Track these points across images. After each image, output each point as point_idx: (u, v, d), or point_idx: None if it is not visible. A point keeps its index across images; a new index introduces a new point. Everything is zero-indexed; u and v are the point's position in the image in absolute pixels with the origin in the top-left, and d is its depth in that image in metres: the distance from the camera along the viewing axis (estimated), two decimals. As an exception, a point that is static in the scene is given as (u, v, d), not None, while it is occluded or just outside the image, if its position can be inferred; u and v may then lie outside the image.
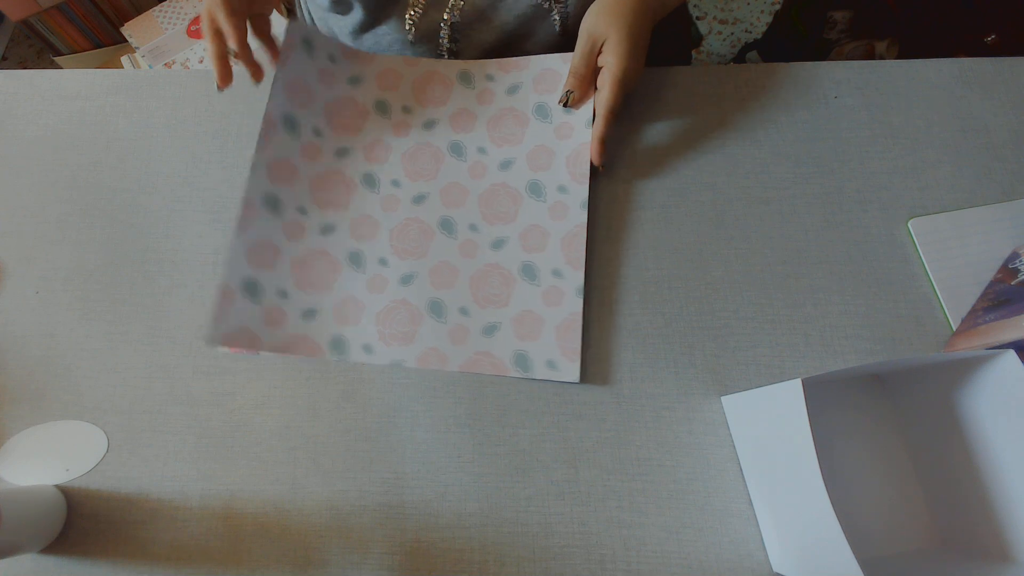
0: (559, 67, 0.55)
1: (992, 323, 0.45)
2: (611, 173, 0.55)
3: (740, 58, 1.48)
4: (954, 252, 0.51)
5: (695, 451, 0.47)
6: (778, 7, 1.53)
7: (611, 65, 0.51)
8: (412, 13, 0.58)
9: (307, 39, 0.54)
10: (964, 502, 0.42)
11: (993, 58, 0.57)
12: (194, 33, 1.13)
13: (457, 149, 0.55)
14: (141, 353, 0.51)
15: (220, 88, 0.48)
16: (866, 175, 0.54)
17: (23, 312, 0.52)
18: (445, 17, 0.58)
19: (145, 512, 0.47)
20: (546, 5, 0.57)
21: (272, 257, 0.50)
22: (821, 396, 0.47)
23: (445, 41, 0.59)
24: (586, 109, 0.53)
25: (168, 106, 0.58)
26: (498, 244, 0.52)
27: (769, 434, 0.42)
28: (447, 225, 0.53)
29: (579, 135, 0.53)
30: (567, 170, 0.53)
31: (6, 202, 0.55)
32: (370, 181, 0.54)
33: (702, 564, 0.45)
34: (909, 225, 0.52)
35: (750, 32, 1.54)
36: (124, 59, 1.20)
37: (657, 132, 0.56)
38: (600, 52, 0.52)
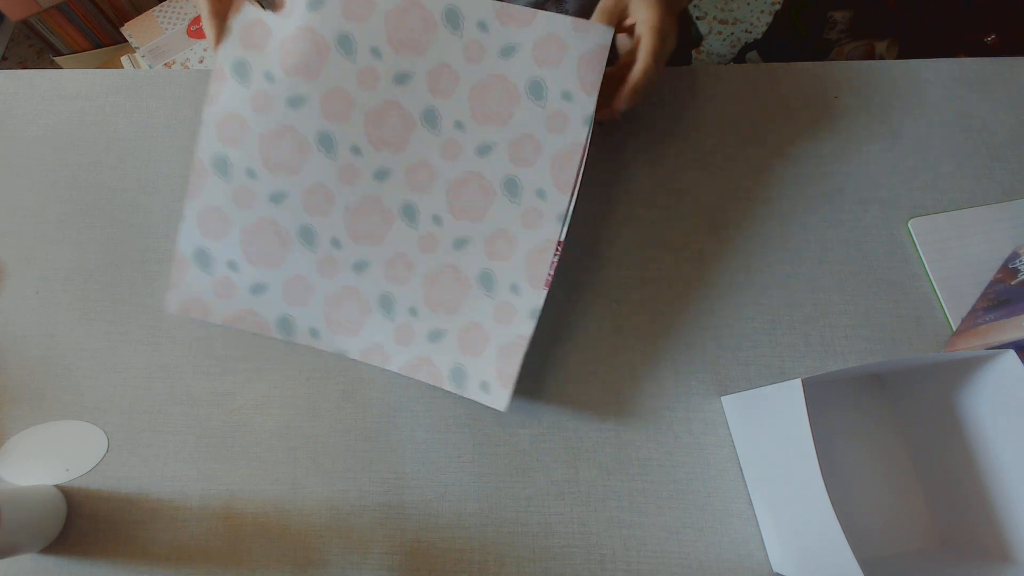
0: (567, 36, 0.45)
1: (992, 323, 0.45)
2: (611, 173, 0.55)
3: (740, 58, 1.48)
4: (954, 252, 0.51)
5: (695, 451, 0.47)
6: (778, 7, 1.53)
7: (646, 18, 0.45)
8: None
9: None
10: (964, 502, 0.42)
11: (993, 58, 0.57)
12: (194, 33, 1.13)
13: (431, 118, 0.47)
14: (141, 353, 0.51)
15: (216, 49, 0.45)
16: (866, 175, 0.54)
17: (23, 312, 0.52)
18: None
19: (145, 512, 0.47)
20: (546, 7, 0.57)
21: (222, 226, 0.48)
22: (821, 396, 0.47)
23: None
24: (586, 103, 0.45)
25: (168, 106, 0.58)
26: (461, 244, 0.47)
27: (769, 434, 0.42)
28: (410, 212, 0.47)
29: (573, 131, 0.45)
30: (550, 173, 0.46)
31: (6, 202, 0.55)
32: (327, 143, 0.47)
33: (702, 564, 0.45)
34: (909, 225, 0.52)
35: (750, 32, 1.54)
36: (124, 59, 1.20)
37: (657, 132, 0.56)
38: (626, 17, 0.46)
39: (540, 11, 0.45)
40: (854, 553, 0.33)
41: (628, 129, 0.56)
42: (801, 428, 0.36)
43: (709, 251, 0.52)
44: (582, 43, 0.45)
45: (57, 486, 0.47)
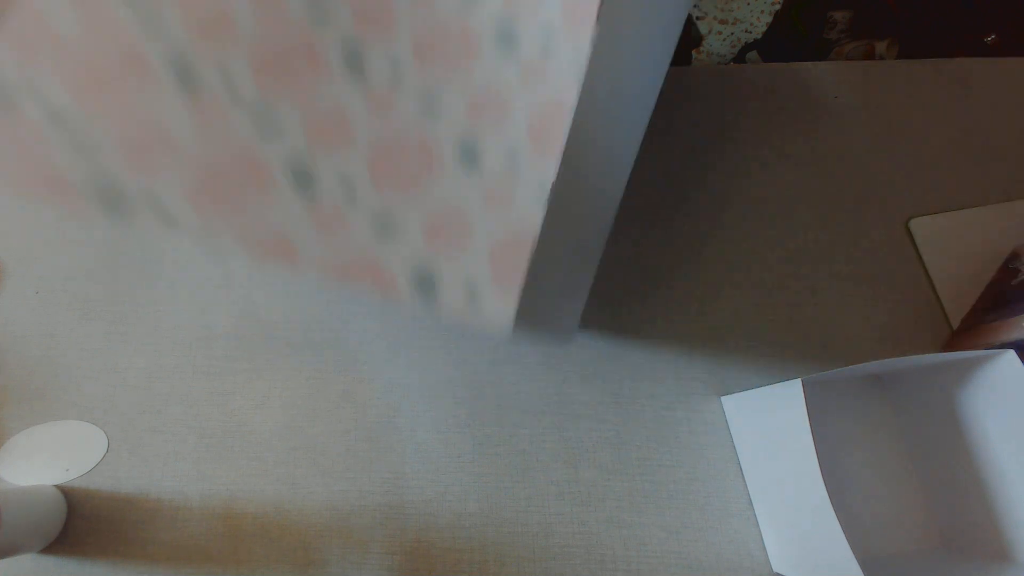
0: None
1: (992, 323, 0.45)
2: (611, 173, 0.55)
3: (740, 58, 1.48)
4: (954, 252, 0.51)
5: (695, 451, 0.47)
6: (778, 7, 1.53)
7: None
8: None
9: None
10: (964, 502, 0.42)
11: (993, 58, 0.57)
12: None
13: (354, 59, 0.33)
14: (141, 353, 0.51)
15: None
16: (866, 175, 0.54)
17: (23, 312, 0.52)
18: None
19: (145, 512, 0.47)
20: None
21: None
22: (821, 397, 0.47)
23: None
24: (580, 45, 0.32)
25: (168, 106, 0.58)
26: (431, 105, 0.33)
27: (769, 434, 0.42)
28: (354, 61, 0.33)
29: (556, 83, 0.33)
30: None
31: (6, 202, 0.55)
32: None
33: (702, 564, 0.45)
34: (909, 225, 0.52)
35: (750, 32, 1.54)
36: (124, 59, 1.19)
37: (657, 132, 0.56)
38: None
39: (475, 61, 0.34)
40: (853, 553, 0.33)
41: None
42: (801, 428, 0.36)
43: (709, 251, 0.52)
44: (532, 99, 0.34)
45: (57, 486, 0.47)
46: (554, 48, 0.32)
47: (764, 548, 0.45)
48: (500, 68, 0.33)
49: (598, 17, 0.32)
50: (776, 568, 0.44)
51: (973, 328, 0.47)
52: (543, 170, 0.33)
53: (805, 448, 0.36)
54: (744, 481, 0.46)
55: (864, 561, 0.42)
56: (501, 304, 0.32)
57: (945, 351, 0.48)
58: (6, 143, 0.31)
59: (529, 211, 0.33)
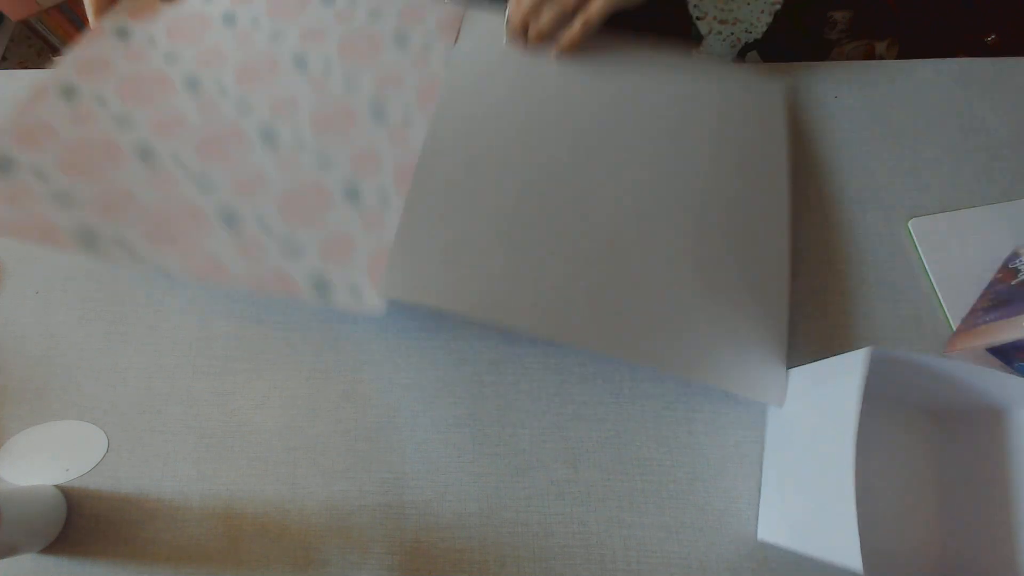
0: (425, 4, 0.54)
1: (992, 323, 0.45)
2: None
3: (740, 58, 1.48)
4: (954, 252, 0.51)
5: (695, 451, 0.47)
6: (778, 7, 1.53)
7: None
8: None
9: None
10: (983, 545, 0.42)
11: (993, 58, 0.57)
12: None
13: (300, 62, 0.52)
14: (141, 353, 0.51)
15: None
16: (866, 175, 0.54)
17: (23, 312, 0.52)
18: None
19: (145, 512, 0.47)
20: None
21: (44, 136, 0.46)
22: (870, 423, 0.47)
23: None
24: (440, 48, 0.52)
25: (168, 106, 0.58)
26: (325, 162, 0.49)
27: (814, 410, 0.42)
28: (269, 136, 0.49)
29: (434, 67, 0.52)
30: (417, 99, 0.51)
31: (6, 202, 0.55)
32: (193, 84, 0.51)
33: (702, 564, 0.45)
34: (909, 225, 0.52)
35: (750, 32, 1.54)
36: (124, 59, 1.20)
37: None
38: None
39: (380, 53, 0.52)
40: (861, 549, 0.33)
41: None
42: (849, 400, 0.36)
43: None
44: (419, 74, 0.52)
45: (57, 486, 0.47)
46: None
47: (764, 548, 0.45)
48: (375, 135, 0.50)
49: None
50: (774, 569, 0.44)
51: (973, 328, 0.47)
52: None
53: (847, 424, 0.36)
54: (744, 480, 0.46)
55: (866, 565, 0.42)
56: (375, 298, 0.44)
57: (945, 351, 0.48)
58: (8, 200, 0.44)
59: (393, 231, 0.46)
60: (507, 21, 0.52)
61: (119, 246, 0.44)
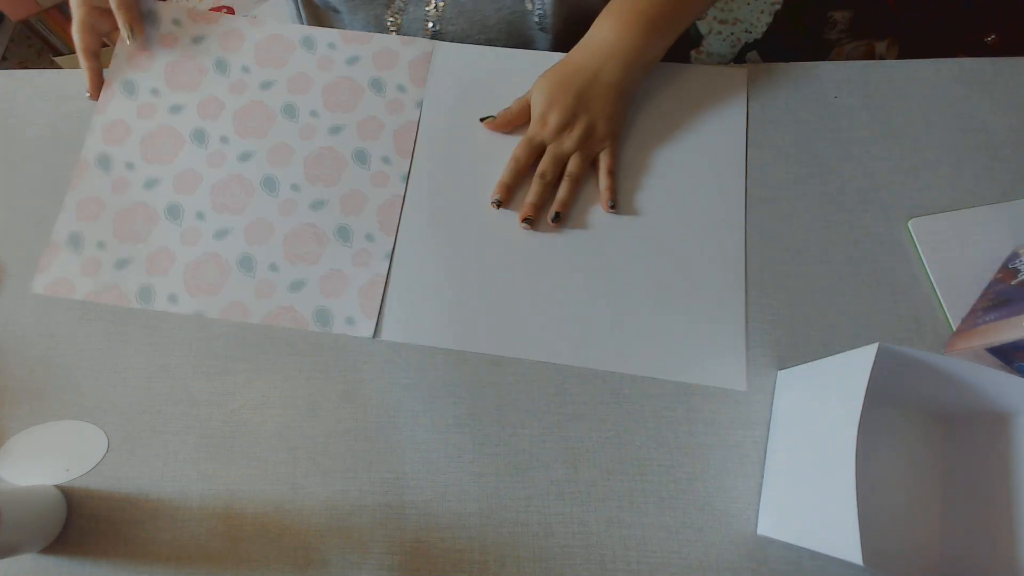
0: (397, 48, 0.58)
1: (992, 323, 0.45)
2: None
3: (740, 58, 1.48)
4: (954, 252, 0.51)
5: (695, 451, 0.47)
6: (778, 7, 1.53)
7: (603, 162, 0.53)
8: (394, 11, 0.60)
9: (151, 10, 0.59)
10: (982, 548, 0.42)
11: (993, 58, 0.57)
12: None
13: (290, 110, 0.56)
14: (141, 353, 0.51)
15: (94, 97, 0.54)
16: (866, 175, 0.54)
17: (23, 312, 0.52)
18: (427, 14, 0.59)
19: (145, 512, 0.47)
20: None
21: (96, 210, 0.54)
22: (877, 425, 0.47)
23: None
24: (415, 91, 0.57)
25: (168, 106, 0.58)
26: (317, 205, 0.54)
27: (820, 404, 0.42)
28: (270, 183, 0.54)
29: (408, 112, 0.56)
30: (394, 143, 0.55)
31: (6, 202, 0.55)
32: (199, 137, 0.56)
33: (702, 564, 0.45)
34: (909, 225, 0.52)
35: (750, 32, 1.54)
36: (124, 59, 1.20)
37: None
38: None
39: (360, 99, 0.57)
40: (861, 546, 0.33)
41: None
42: (855, 395, 0.36)
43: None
44: (395, 120, 0.56)
45: (57, 486, 0.47)
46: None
47: (764, 549, 0.45)
48: (359, 178, 0.55)
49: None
50: (775, 568, 0.44)
51: (973, 328, 0.47)
52: (388, 244, 0.53)
53: (850, 418, 0.36)
54: (744, 479, 0.46)
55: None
56: (368, 326, 0.51)
57: (945, 351, 0.48)
58: (85, 273, 0.53)
59: (380, 267, 0.52)
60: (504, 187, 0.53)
61: (170, 299, 0.52)
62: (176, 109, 0.56)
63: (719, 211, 0.53)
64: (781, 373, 0.48)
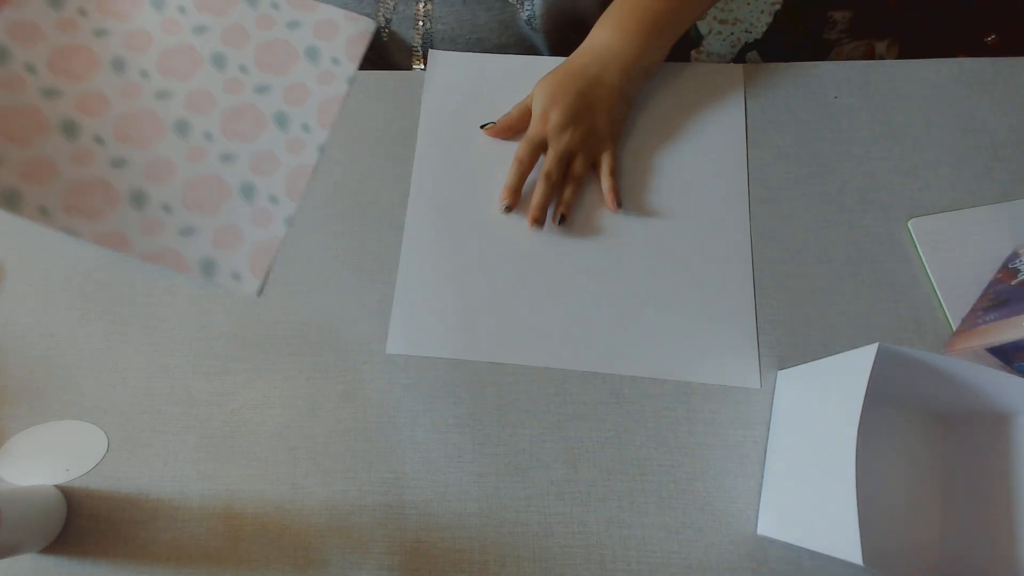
0: (340, 21, 0.58)
1: (992, 323, 0.45)
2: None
3: (740, 58, 1.48)
4: (954, 252, 0.51)
5: (695, 451, 0.47)
6: (778, 7, 1.53)
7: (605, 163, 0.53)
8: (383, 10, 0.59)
9: None
10: (982, 549, 0.42)
11: (993, 58, 0.57)
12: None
13: (219, 60, 0.56)
14: (141, 353, 0.51)
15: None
16: (866, 175, 0.54)
17: (23, 312, 0.52)
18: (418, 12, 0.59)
19: (145, 512, 0.47)
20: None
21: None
22: (877, 425, 0.47)
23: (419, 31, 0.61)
24: (348, 65, 0.57)
25: (168, 106, 0.58)
26: (228, 158, 0.54)
27: (820, 404, 0.42)
28: (182, 127, 0.54)
29: (337, 86, 0.56)
30: (316, 113, 0.55)
31: (6, 202, 0.55)
32: (118, 64, 0.55)
33: (702, 564, 0.45)
34: (909, 225, 0.52)
35: (750, 32, 1.54)
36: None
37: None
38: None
39: (293, 64, 0.57)
40: (861, 544, 0.33)
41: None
42: (855, 395, 0.36)
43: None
44: (324, 91, 0.56)
45: (57, 486, 0.47)
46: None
47: (764, 549, 0.45)
48: (275, 140, 0.55)
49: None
50: (775, 568, 0.44)
51: (973, 328, 0.47)
52: (291, 208, 0.54)
53: (851, 417, 0.36)
54: (745, 479, 0.46)
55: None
56: (254, 284, 0.51)
57: (945, 351, 0.48)
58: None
59: (279, 230, 0.53)
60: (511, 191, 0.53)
61: (40, 211, 0.50)
62: (101, 33, 0.56)
63: (723, 209, 0.53)
64: (781, 373, 0.48)
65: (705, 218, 0.53)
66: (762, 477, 0.46)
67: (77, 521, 0.47)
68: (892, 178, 0.54)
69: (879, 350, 0.37)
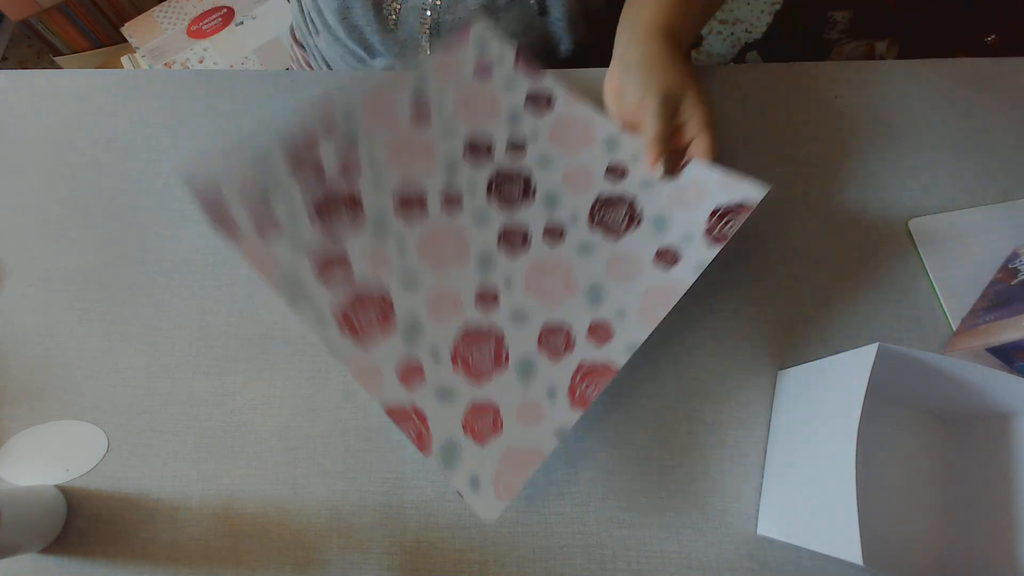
0: (711, 186, 0.47)
1: (992, 323, 0.45)
2: (611, 173, 0.55)
3: (740, 58, 1.48)
4: (954, 252, 0.51)
5: (695, 451, 0.47)
6: (778, 7, 1.53)
7: (699, 115, 0.47)
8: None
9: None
10: (981, 549, 0.42)
11: (993, 58, 0.57)
12: (194, 33, 1.13)
13: (551, 199, 0.48)
14: (141, 353, 0.51)
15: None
16: (866, 175, 0.54)
17: (23, 312, 0.52)
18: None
19: (145, 512, 0.47)
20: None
21: (312, 172, 0.47)
22: (877, 425, 0.47)
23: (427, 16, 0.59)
24: (703, 251, 0.45)
25: (168, 106, 0.58)
26: (518, 317, 0.45)
27: (820, 404, 0.42)
28: (484, 260, 0.47)
29: (680, 272, 0.45)
30: (640, 301, 0.45)
31: (6, 202, 0.55)
32: (452, 167, 0.49)
33: (702, 564, 0.45)
34: (909, 225, 0.52)
35: (750, 32, 1.54)
36: (124, 59, 1.20)
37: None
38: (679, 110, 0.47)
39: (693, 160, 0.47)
40: (861, 544, 0.33)
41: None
42: (855, 395, 0.36)
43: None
44: (663, 277, 0.46)
45: (57, 486, 0.47)
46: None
47: (765, 549, 0.45)
48: (578, 315, 0.45)
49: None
50: (776, 568, 0.44)
51: (973, 328, 0.47)
52: (567, 417, 0.42)
53: (851, 415, 0.36)
54: (745, 478, 0.46)
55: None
56: (494, 505, 0.40)
57: (945, 351, 0.48)
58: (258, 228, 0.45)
59: (545, 442, 0.41)
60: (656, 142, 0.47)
61: (316, 316, 0.43)
62: (449, 134, 0.49)
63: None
64: (781, 373, 0.48)
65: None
66: (762, 477, 0.46)
67: (77, 521, 0.47)
68: (892, 178, 0.54)
69: (879, 350, 0.37)
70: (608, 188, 0.48)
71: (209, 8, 1.14)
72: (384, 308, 0.44)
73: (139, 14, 1.18)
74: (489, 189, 0.48)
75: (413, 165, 0.48)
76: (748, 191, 0.46)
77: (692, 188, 0.47)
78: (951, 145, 0.54)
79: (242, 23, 1.13)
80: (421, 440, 0.41)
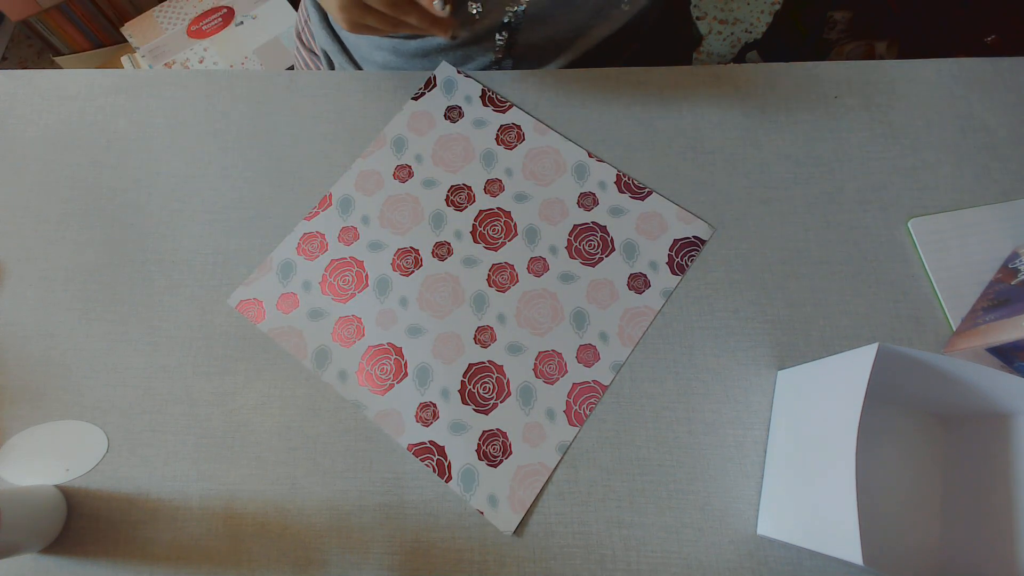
0: (670, 220, 0.52)
1: (992, 323, 0.45)
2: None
3: (740, 58, 1.48)
4: (954, 252, 0.51)
5: (695, 451, 0.47)
6: (778, 7, 1.53)
7: None
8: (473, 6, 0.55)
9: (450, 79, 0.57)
10: (981, 549, 0.42)
11: (993, 58, 0.57)
12: (194, 33, 1.13)
13: (531, 234, 0.52)
14: (141, 353, 0.51)
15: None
16: (866, 175, 0.54)
17: (23, 312, 0.52)
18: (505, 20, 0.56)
19: (145, 512, 0.47)
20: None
21: (317, 250, 0.52)
22: (877, 425, 0.47)
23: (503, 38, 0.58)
24: (669, 279, 0.50)
25: (168, 106, 0.58)
26: (514, 349, 0.49)
27: (818, 405, 0.42)
28: (479, 302, 0.50)
29: (650, 297, 0.50)
30: (619, 322, 0.49)
31: (6, 202, 0.55)
32: (438, 220, 0.52)
33: (702, 564, 0.45)
34: (909, 225, 0.52)
35: (750, 32, 1.54)
36: (124, 59, 1.20)
37: (657, 132, 0.56)
38: None
39: (654, 192, 0.53)
40: (861, 544, 0.33)
41: (629, 129, 0.56)
42: (855, 395, 0.36)
43: (709, 251, 0.52)
44: (680, 229, 0.52)
45: (57, 486, 0.47)
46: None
47: (765, 549, 0.45)
48: (567, 342, 0.49)
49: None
50: (775, 568, 0.44)
51: (973, 328, 0.47)
52: (566, 434, 0.47)
53: (850, 416, 0.36)
54: (745, 478, 0.46)
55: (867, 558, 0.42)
56: (510, 518, 0.45)
57: (945, 351, 0.48)
58: (281, 307, 0.51)
59: (548, 456, 0.47)
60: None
61: (340, 375, 0.49)
62: (429, 184, 0.53)
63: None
64: (781, 373, 0.48)
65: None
66: (762, 477, 0.46)
67: (77, 521, 0.47)
68: (892, 178, 0.54)
69: (879, 350, 0.37)
70: (581, 217, 0.52)
71: (209, 8, 1.14)
72: (396, 361, 0.49)
73: (139, 14, 1.17)
74: (473, 231, 0.52)
75: (403, 222, 0.53)
76: (700, 229, 0.52)
77: (654, 217, 0.52)
78: (951, 145, 0.54)
79: (242, 23, 1.13)
80: (442, 470, 0.46)
